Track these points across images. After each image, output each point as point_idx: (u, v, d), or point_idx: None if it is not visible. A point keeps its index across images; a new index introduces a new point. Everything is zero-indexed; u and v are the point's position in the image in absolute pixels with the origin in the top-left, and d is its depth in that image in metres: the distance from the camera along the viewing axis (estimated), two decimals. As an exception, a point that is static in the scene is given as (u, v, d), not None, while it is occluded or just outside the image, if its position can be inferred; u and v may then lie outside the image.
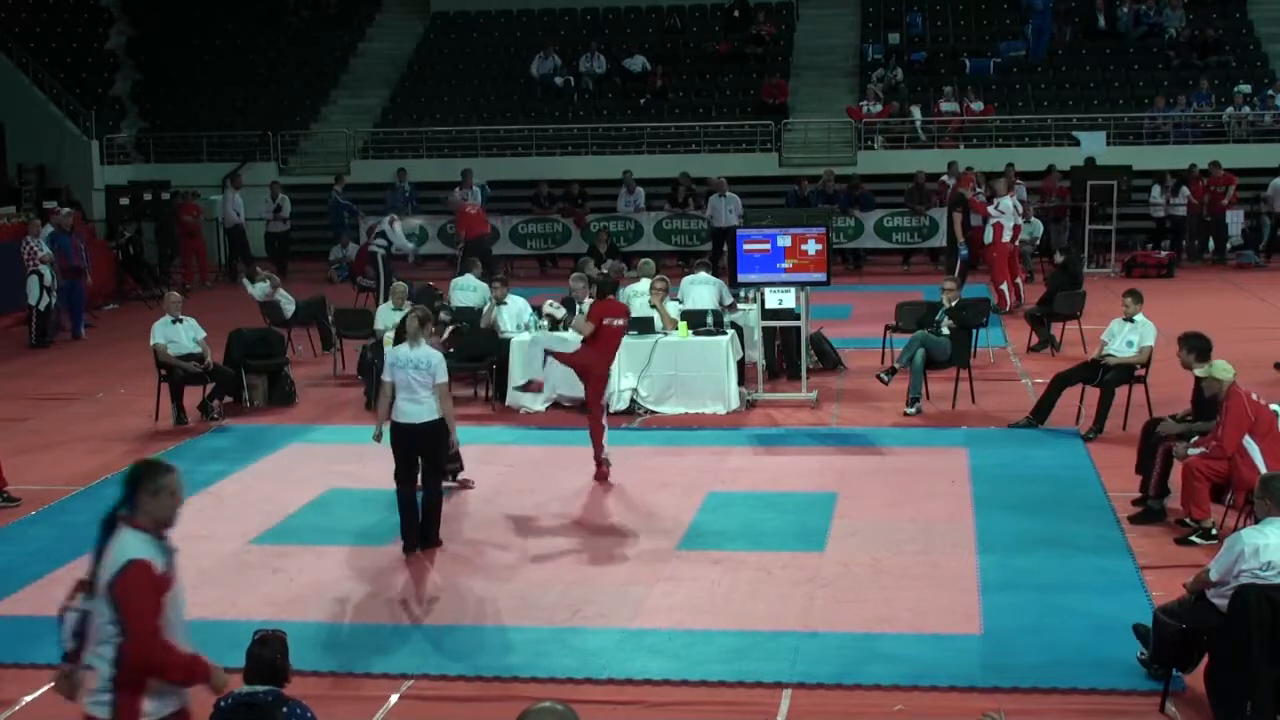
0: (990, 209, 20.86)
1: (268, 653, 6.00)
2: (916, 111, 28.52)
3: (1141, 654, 7.87)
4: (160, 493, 5.54)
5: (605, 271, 15.11)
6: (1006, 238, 20.62)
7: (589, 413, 12.39)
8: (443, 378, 10.27)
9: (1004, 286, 20.58)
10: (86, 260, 21.28)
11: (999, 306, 19.97)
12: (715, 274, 17.42)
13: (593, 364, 12.22)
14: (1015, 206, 21.29)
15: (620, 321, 12.45)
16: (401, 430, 10.34)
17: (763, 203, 25.25)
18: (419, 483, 10.45)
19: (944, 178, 25.51)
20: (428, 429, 10.27)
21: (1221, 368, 10.33)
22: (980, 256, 21.89)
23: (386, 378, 10.38)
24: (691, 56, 31.65)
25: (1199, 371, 10.60)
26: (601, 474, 12.24)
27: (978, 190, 22.94)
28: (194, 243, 26.54)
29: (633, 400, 14.79)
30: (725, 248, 22.43)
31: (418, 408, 10.24)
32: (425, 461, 10.45)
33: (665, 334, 14.95)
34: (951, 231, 23.13)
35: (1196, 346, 11.05)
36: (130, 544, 5.45)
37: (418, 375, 10.21)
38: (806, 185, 26.19)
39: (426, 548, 10.42)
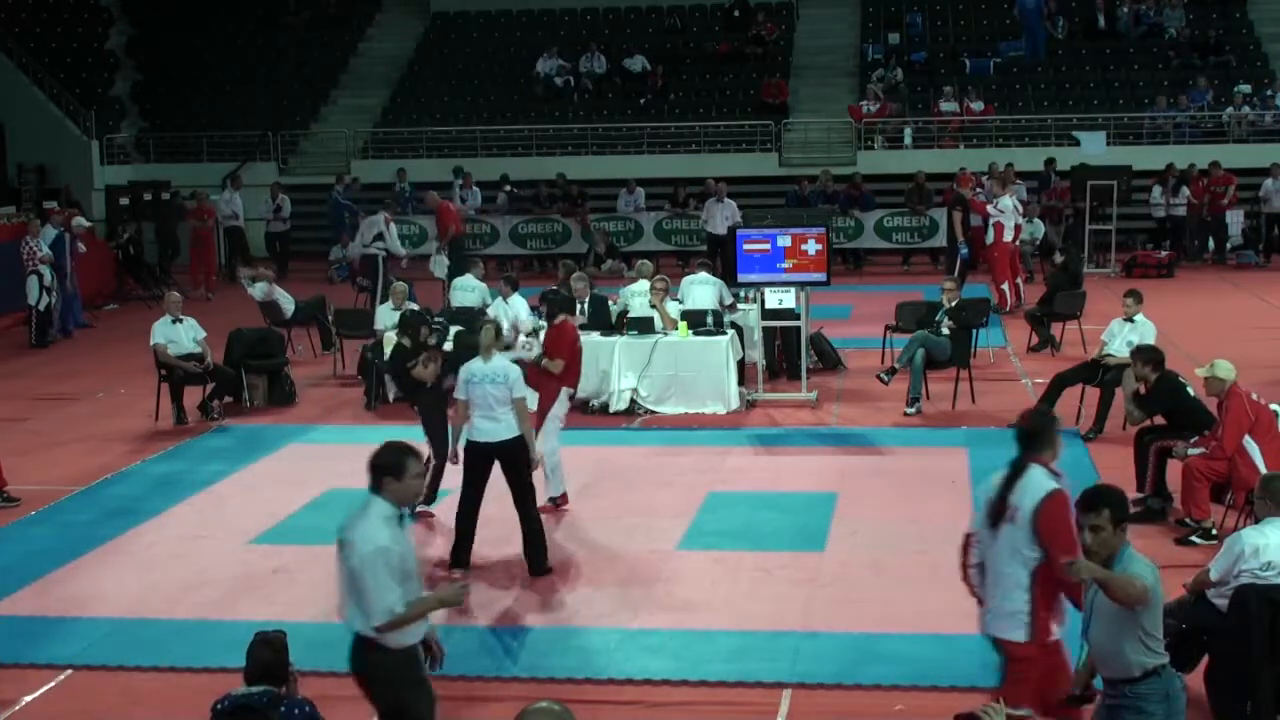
0: (990, 209, 20.86)
1: (268, 653, 6.00)
2: (908, 134, 28.47)
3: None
4: (1059, 436, 6.33)
5: (560, 291, 13.88)
6: (1008, 237, 20.63)
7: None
8: (521, 392, 9.69)
9: (1005, 286, 20.59)
10: (71, 261, 21.21)
11: (999, 306, 19.98)
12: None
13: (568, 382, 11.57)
14: (1015, 206, 21.28)
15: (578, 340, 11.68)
16: (478, 450, 9.71)
17: (763, 203, 25.23)
18: (483, 507, 9.95)
19: (985, 179, 23.89)
20: (507, 448, 9.66)
21: (1224, 368, 10.33)
22: (981, 256, 21.90)
23: (461, 395, 9.78)
24: (691, 56, 31.66)
25: (1201, 371, 10.61)
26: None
27: (978, 190, 22.93)
28: (205, 251, 25.66)
29: (633, 400, 14.80)
30: (719, 255, 22.22)
31: (495, 425, 9.62)
32: (513, 485, 9.78)
33: (665, 334, 14.95)
34: (951, 231, 23.11)
35: (1152, 359, 11.25)
36: (1043, 479, 6.09)
37: (495, 390, 9.60)
38: (806, 185, 26.22)
39: (538, 575, 9.83)
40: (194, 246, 25.76)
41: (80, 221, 21.52)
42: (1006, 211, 20.67)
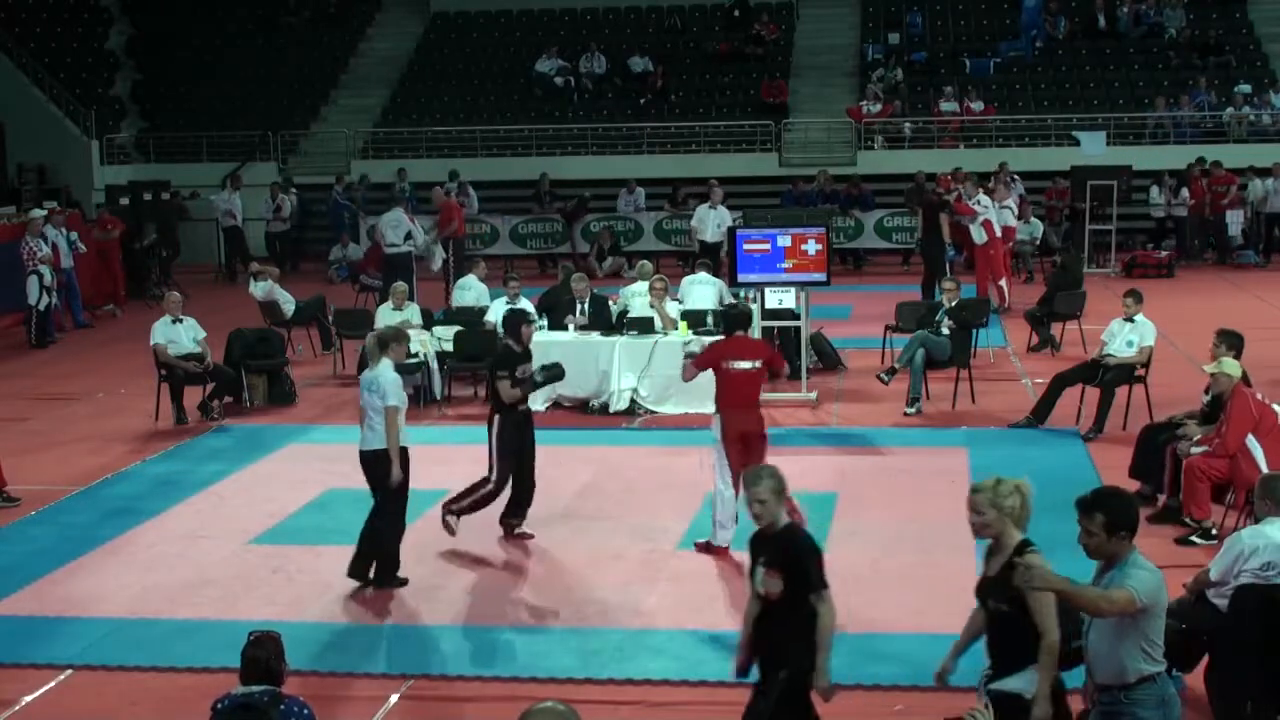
0: (974, 205, 20.67)
1: (262, 654, 5.98)
2: (907, 129, 28.49)
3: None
4: None
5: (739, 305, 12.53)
6: (997, 233, 20.53)
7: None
8: (392, 401, 9.42)
9: (1002, 283, 20.53)
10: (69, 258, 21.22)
11: (999, 305, 19.94)
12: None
13: (748, 425, 10.32)
14: (1001, 204, 21.18)
15: (748, 365, 10.41)
16: (359, 457, 9.74)
17: (763, 203, 25.24)
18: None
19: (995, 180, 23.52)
20: (370, 459, 9.59)
21: (1231, 365, 10.35)
22: (974, 254, 21.79)
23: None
24: (692, 56, 31.67)
25: (1209, 368, 10.60)
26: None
27: (956, 188, 22.94)
28: (109, 265, 23.60)
29: (633, 400, 14.80)
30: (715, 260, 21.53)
31: (369, 434, 9.57)
32: (373, 495, 9.73)
33: (665, 334, 14.95)
34: (934, 234, 22.63)
35: (1236, 345, 11.02)
36: None
37: (369, 398, 9.52)
38: (802, 185, 26.29)
39: (365, 586, 9.64)
40: (95, 257, 23.07)
41: (37, 212, 21.46)
42: (989, 208, 20.58)
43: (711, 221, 23.34)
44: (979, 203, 20.62)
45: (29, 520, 11.56)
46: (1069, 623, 5.85)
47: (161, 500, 11.99)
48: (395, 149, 29.59)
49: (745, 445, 10.20)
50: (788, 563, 6.23)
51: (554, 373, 10.92)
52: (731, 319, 10.92)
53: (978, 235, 20.63)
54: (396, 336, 9.88)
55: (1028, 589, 5.61)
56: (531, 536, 10.82)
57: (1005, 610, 5.85)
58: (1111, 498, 5.79)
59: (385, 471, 9.52)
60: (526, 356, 10.63)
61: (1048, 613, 5.74)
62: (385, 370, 9.59)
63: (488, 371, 10.99)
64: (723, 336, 11.01)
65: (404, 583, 9.70)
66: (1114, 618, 5.57)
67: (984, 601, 6.06)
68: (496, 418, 10.48)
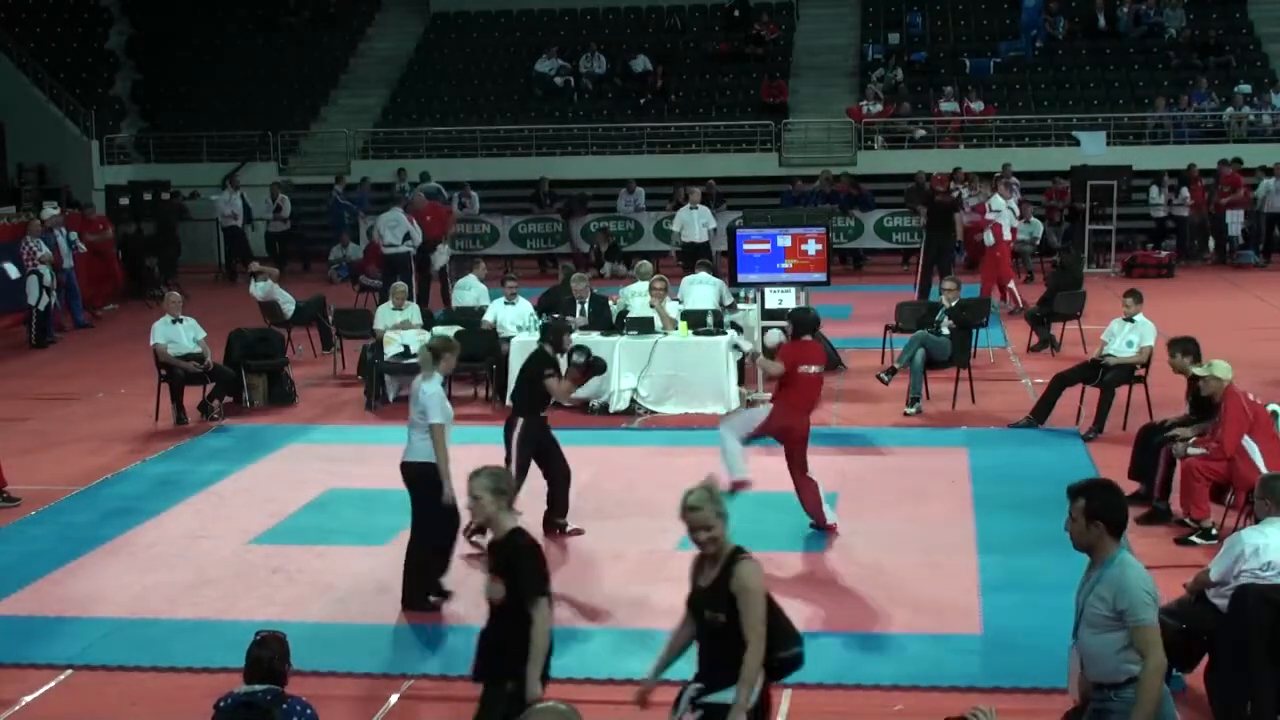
0: (989, 210, 20.74)
1: (266, 654, 5.99)
2: (916, 130, 28.50)
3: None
4: None
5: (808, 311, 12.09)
6: (1006, 236, 20.56)
7: (795, 477, 10.55)
8: (436, 418, 9.11)
9: (1011, 285, 20.51)
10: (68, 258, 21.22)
11: (1011, 306, 19.93)
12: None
13: (794, 424, 10.48)
14: (1013, 207, 21.20)
15: (817, 369, 10.62)
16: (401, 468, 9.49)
17: (763, 203, 25.25)
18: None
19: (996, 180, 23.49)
20: (412, 471, 9.30)
21: (1222, 367, 10.35)
22: (976, 256, 21.81)
23: None
24: (692, 56, 31.69)
25: (1199, 371, 10.61)
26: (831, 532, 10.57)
27: (959, 189, 22.91)
28: (107, 264, 23.67)
29: (633, 400, 14.79)
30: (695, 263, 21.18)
31: (410, 446, 9.31)
32: (412, 510, 9.44)
33: (665, 334, 14.95)
34: (946, 233, 22.60)
35: (1192, 350, 11.07)
36: None
37: (414, 412, 9.28)
38: (801, 185, 26.29)
39: (444, 596, 9.42)
40: (92, 257, 22.91)
41: (49, 212, 21.48)
42: (1001, 210, 20.62)
43: (697, 222, 23.13)
44: (992, 206, 20.64)
45: (29, 520, 11.56)
46: (779, 634, 5.86)
47: (161, 500, 11.98)
48: (395, 149, 29.59)
49: (784, 438, 10.44)
50: (507, 569, 6.22)
51: (596, 364, 11.01)
52: (803, 322, 10.74)
53: (986, 237, 20.67)
54: (448, 346, 9.64)
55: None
56: (582, 532, 10.76)
57: (723, 621, 5.80)
58: (1098, 487, 5.82)
59: (423, 486, 9.26)
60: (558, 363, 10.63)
61: (756, 623, 5.71)
62: (432, 384, 9.30)
63: (528, 375, 10.72)
64: (790, 340, 10.93)
65: (447, 597, 9.43)
66: (1108, 620, 5.57)
67: (699, 613, 5.97)
68: (520, 421, 10.37)
